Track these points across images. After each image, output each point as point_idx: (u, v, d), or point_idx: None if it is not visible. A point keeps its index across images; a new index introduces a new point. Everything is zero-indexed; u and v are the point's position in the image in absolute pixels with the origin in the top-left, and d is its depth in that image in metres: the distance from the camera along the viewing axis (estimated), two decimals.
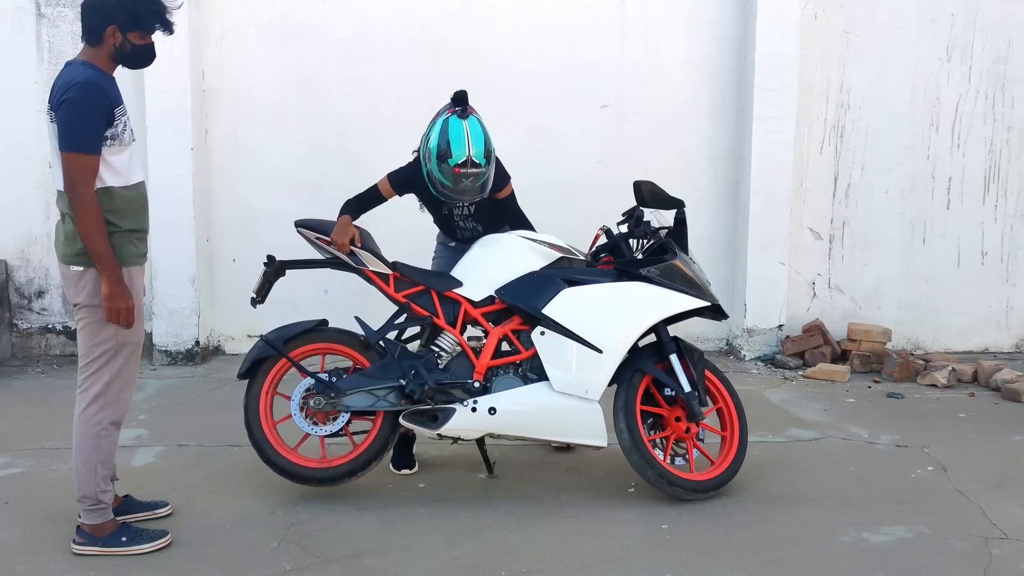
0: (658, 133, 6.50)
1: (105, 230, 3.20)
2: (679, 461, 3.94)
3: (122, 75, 3.41)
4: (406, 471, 4.21)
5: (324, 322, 3.97)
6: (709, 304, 3.98)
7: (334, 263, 3.98)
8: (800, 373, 6.19)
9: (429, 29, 6.34)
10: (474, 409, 3.76)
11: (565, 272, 3.95)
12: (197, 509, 3.78)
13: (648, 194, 4.04)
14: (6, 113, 6.23)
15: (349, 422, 3.87)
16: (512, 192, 4.18)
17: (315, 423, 3.84)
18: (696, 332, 6.34)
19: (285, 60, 6.33)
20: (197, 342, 6.28)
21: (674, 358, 3.92)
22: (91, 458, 3.32)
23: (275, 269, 3.95)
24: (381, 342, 3.90)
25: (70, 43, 6.20)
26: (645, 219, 4.06)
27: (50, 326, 6.51)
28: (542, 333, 3.84)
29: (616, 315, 3.87)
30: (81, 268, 3.24)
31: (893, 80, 6.56)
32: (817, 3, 6.45)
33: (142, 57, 3.34)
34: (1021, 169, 6.72)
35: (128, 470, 4.13)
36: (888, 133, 6.60)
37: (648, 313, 3.88)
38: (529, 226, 4.22)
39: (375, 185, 4.07)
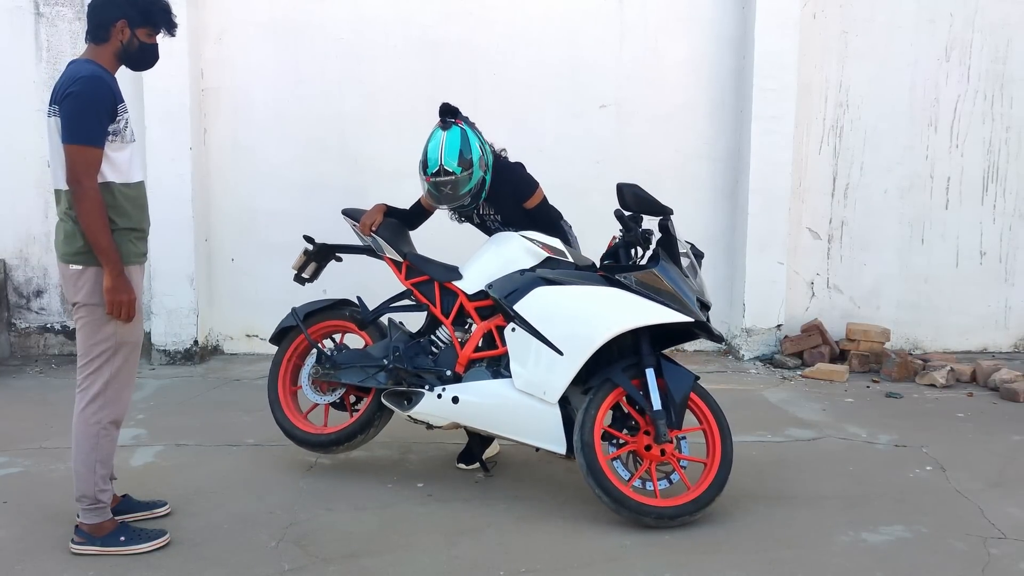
0: (657, 133, 6.50)
1: (108, 224, 3.20)
2: (675, 476, 3.73)
3: (121, 75, 3.42)
4: (475, 466, 4.24)
5: (347, 301, 4.26)
6: (692, 320, 3.68)
7: (368, 250, 4.24)
8: (799, 373, 6.19)
9: (429, 29, 6.35)
10: (440, 396, 3.84)
11: (550, 272, 3.86)
12: (196, 509, 3.78)
13: (631, 198, 3.81)
14: (5, 113, 6.23)
15: (358, 400, 4.13)
16: (543, 200, 4.10)
17: (320, 392, 4.15)
18: None
19: (284, 60, 6.33)
20: (196, 342, 6.28)
21: (650, 373, 3.67)
22: (90, 457, 3.32)
23: (317, 250, 4.24)
24: (385, 322, 4.11)
25: (69, 43, 6.20)
26: (644, 227, 3.86)
27: (48, 326, 6.51)
28: (512, 329, 3.81)
29: (582, 318, 3.70)
30: (80, 267, 3.24)
31: (892, 80, 6.56)
32: (816, 3, 6.45)
33: (147, 57, 3.37)
34: (1020, 169, 6.72)
35: (127, 469, 4.13)
36: (887, 133, 6.60)
37: (616, 320, 3.65)
38: (561, 234, 4.09)
39: (418, 199, 4.26)
